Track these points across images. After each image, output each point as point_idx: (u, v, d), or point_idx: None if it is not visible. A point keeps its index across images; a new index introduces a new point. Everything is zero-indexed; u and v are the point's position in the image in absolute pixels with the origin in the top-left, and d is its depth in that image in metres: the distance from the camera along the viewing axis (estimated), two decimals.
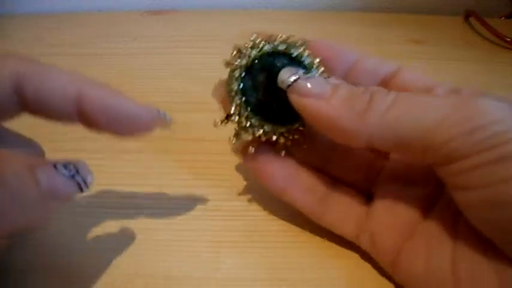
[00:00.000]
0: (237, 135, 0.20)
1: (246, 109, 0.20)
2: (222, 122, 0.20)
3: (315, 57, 0.21)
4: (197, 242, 0.21)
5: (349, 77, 0.21)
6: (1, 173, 0.14)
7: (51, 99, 0.16)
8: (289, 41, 0.21)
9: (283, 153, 0.21)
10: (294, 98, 0.18)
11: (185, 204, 0.23)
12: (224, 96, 0.20)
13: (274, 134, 0.20)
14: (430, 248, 0.18)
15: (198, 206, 0.23)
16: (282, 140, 0.20)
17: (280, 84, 0.19)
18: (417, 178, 0.20)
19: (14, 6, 0.45)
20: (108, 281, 0.19)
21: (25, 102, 0.16)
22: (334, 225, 0.21)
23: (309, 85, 0.18)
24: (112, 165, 0.25)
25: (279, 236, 0.22)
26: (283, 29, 0.42)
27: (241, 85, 0.20)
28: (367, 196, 0.21)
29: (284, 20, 0.43)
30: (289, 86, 0.19)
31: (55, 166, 0.15)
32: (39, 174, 0.15)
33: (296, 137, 0.20)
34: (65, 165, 0.15)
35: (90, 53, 0.37)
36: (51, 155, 0.26)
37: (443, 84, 0.20)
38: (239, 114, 0.20)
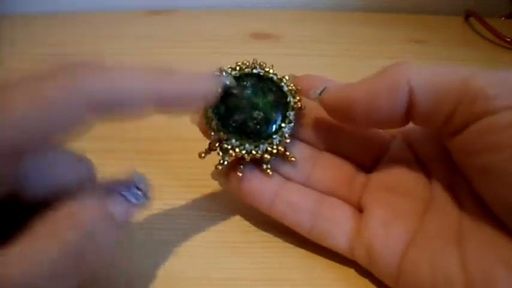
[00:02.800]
0: (222, 160, 0.20)
1: (224, 132, 0.20)
2: (205, 152, 0.21)
3: (282, 75, 0.22)
4: (197, 242, 0.21)
5: None
6: (82, 225, 0.14)
7: (121, 103, 0.15)
8: (255, 64, 0.22)
9: (270, 171, 0.20)
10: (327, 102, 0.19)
11: (185, 204, 0.23)
12: (200, 120, 0.21)
13: (257, 152, 0.20)
14: (434, 252, 0.17)
15: (198, 206, 0.23)
16: (266, 156, 0.20)
17: (311, 96, 0.20)
18: (406, 188, 0.20)
19: (14, 6, 0.45)
20: (108, 281, 0.19)
21: (102, 112, 0.15)
22: (325, 240, 0.20)
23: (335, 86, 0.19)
24: (112, 165, 0.25)
25: (279, 236, 0.22)
26: (283, 29, 0.42)
27: (216, 110, 0.20)
28: (356, 208, 0.21)
29: (284, 20, 0.43)
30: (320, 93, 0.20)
31: (124, 196, 0.15)
32: (113, 209, 0.15)
33: (281, 149, 0.20)
34: (133, 194, 0.16)
35: (90, 53, 0.37)
36: None
37: None
38: (219, 139, 0.20)
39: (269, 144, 0.20)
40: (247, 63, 0.22)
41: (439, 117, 0.17)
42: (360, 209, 0.21)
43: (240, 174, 0.20)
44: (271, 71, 0.22)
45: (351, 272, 0.20)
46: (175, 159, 0.26)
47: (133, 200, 0.16)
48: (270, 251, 0.21)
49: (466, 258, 0.16)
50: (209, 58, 0.36)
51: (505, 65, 0.37)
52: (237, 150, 0.20)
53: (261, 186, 0.21)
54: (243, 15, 0.44)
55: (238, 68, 0.22)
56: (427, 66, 0.17)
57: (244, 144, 0.20)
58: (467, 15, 0.43)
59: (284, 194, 0.21)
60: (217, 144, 0.20)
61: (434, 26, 0.42)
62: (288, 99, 0.21)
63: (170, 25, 0.42)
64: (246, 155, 0.20)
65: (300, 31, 0.41)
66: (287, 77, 0.22)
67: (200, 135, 0.22)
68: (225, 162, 0.20)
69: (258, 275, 0.20)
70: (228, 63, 0.22)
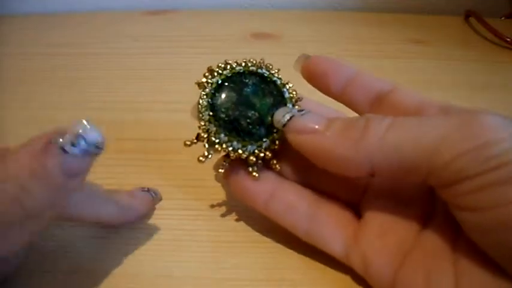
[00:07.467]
0: (206, 153, 0.20)
1: (215, 124, 0.20)
2: (191, 141, 0.20)
3: (287, 81, 0.21)
4: (197, 242, 0.21)
5: (345, 92, 0.21)
6: (15, 177, 0.14)
7: None
8: (262, 64, 0.21)
9: (257, 174, 0.20)
10: (290, 137, 0.18)
11: (185, 204, 0.23)
12: (193, 109, 0.20)
13: (244, 152, 0.20)
14: (429, 269, 0.17)
15: (198, 206, 0.23)
16: (252, 158, 0.20)
17: (276, 124, 0.19)
18: (408, 196, 0.19)
19: (13, 6, 0.45)
20: (109, 281, 0.19)
21: None
22: (320, 243, 0.20)
23: (303, 121, 0.18)
24: (109, 165, 0.25)
25: (279, 236, 0.22)
26: (283, 29, 0.42)
27: (211, 101, 0.20)
28: (355, 212, 0.20)
29: (284, 20, 0.43)
30: (284, 125, 0.19)
31: (63, 149, 0.15)
32: (45, 161, 0.14)
33: (268, 154, 0.20)
34: (73, 143, 0.15)
35: (90, 53, 0.37)
36: None
37: (435, 102, 0.18)
38: (208, 130, 0.20)
39: (258, 146, 0.20)
40: (254, 62, 0.21)
41: (409, 183, 0.18)
42: (359, 213, 0.20)
43: (222, 171, 0.20)
44: (276, 74, 0.21)
45: (352, 272, 0.20)
46: (174, 159, 0.26)
47: (75, 151, 0.15)
48: (270, 251, 0.21)
49: (461, 277, 0.16)
50: (209, 58, 0.36)
51: (505, 65, 0.37)
52: (224, 146, 0.19)
53: (255, 185, 0.20)
54: (243, 15, 0.44)
55: (243, 64, 0.21)
56: (392, 135, 0.16)
57: (232, 142, 0.20)
58: (467, 15, 0.43)
59: (280, 193, 0.20)
60: (205, 136, 0.20)
61: (434, 26, 0.42)
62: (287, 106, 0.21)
63: (170, 25, 0.42)
64: (232, 152, 0.20)
65: (300, 31, 0.41)
66: (291, 84, 0.21)
67: None
68: (210, 156, 0.20)
69: (258, 275, 0.20)
70: None
